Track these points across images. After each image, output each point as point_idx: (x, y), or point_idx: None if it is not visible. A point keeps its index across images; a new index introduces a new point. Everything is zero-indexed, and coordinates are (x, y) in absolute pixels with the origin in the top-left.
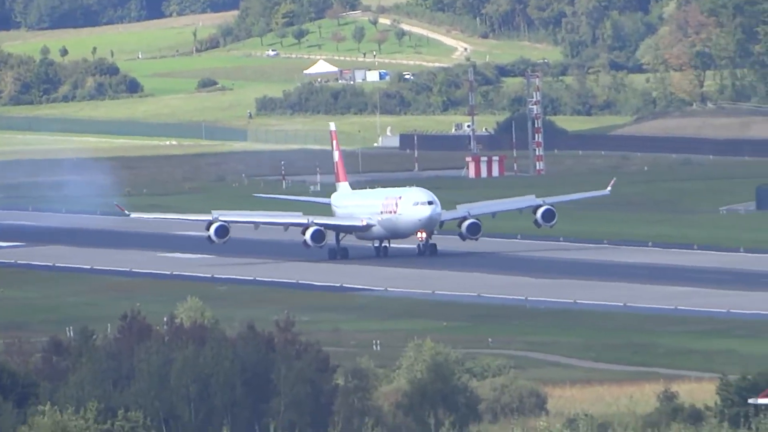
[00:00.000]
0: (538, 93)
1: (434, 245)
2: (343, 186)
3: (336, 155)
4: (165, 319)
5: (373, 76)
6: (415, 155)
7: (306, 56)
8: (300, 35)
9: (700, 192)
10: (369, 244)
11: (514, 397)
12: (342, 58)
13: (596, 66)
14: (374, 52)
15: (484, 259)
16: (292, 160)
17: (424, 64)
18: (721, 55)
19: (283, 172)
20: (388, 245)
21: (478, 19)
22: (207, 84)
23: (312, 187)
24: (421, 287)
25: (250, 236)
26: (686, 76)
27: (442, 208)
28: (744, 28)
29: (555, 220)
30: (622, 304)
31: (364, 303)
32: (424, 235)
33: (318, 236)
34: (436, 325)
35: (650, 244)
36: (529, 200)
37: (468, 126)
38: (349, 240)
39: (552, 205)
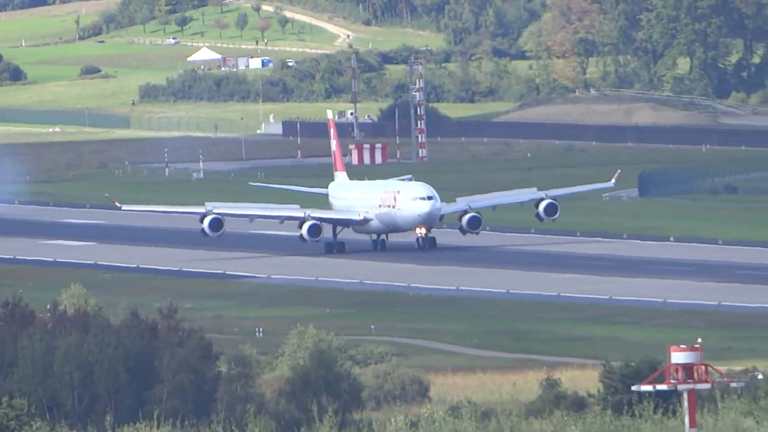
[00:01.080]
0: (421, 80)
1: (433, 239)
2: (341, 176)
3: (333, 144)
4: (48, 306)
5: (256, 63)
6: (298, 142)
7: (189, 43)
8: (183, 23)
9: (583, 179)
10: (366, 237)
11: (397, 384)
12: (225, 45)
13: (479, 53)
14: (257, 40)
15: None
16: (176, 147)
17: (307, 51)
18: (604, 41)
19: (166, 159)
20: (386, 239)
21: (361, 6)
22: (90, 71)
23: (195, 175)
24: (305, 274)
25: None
26: (569, 62)
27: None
28: (626, 14)
29: (558, 214)
30: (505, 290)
31: (247, 290)
32: (423, 230)
33: (314, 230)
34: (320, 312)
35: (533, 230)
36: (531, 193)
37: (351, 113)
38: (346, 234)
39: (555, 199)
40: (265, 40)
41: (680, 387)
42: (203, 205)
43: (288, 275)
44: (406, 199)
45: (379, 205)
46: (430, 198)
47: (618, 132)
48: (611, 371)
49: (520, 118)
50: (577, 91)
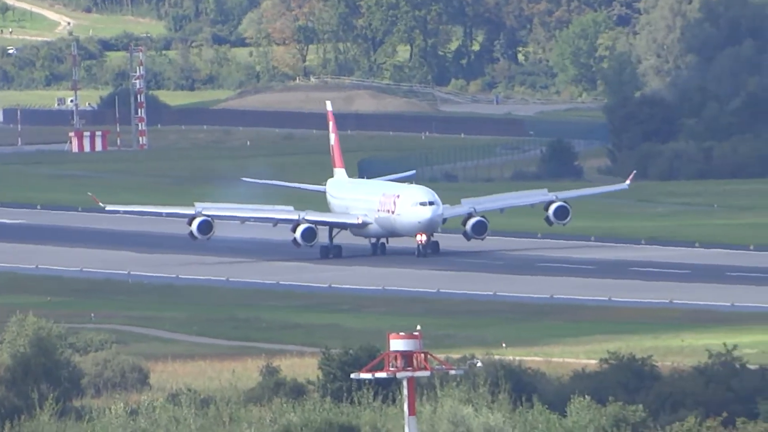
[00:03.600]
0: (141, 67)
1: (436, 243)
2: (340, 173)
3: (332, 138)
4: None
5: None
6: (19, 130)
7: None
8: None
9: (304, 166)
10: (365, 241)
11: (117, 371)
12: None
13: (199, 40)
14: None
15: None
16: None
17: (28, 38)
18: (324, 29)
19: None
20: (386, 243)
21: None
22: None
23: None
24: (26, 262)
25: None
26: (289, 50)
27: None
28: (347, 1)
29: (569, 218)
30: (225, 278)
31: None
32: (424, 237)
33: (309, 234)
34: (40, 300)
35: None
36: (541, 195)
37: (71, 101)
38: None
39: (566, 201)
40: None
41: (399, 374)
42: (193, 205)
43: (6, 263)
44: (406, 204)
45: (378, 209)
46: (431, 203)
47: (339, 120)
48: (330, 358)
49: (239, 105)
50: (297, 78)
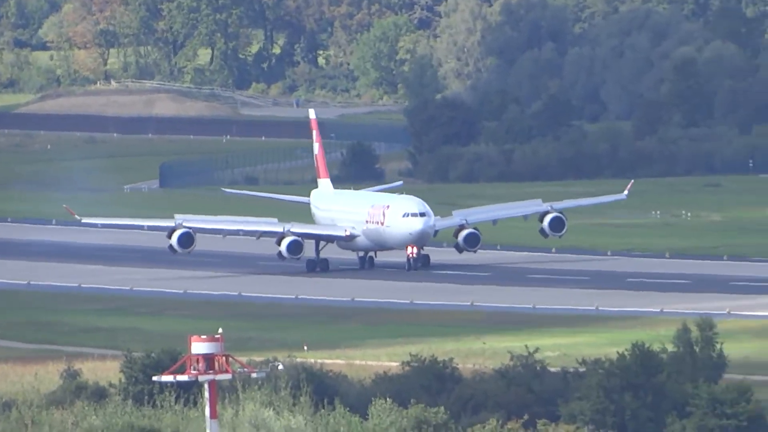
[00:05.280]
0: None
1: (427, 256)
2: (325, 183)
3: (316, 147)
4: None
5: None
6: None
7: None
8: None
9: (105, 170)
10: (353, 254)
11: None
12: None
13: (0, 44)
14: None
15: None
16: None
17: None
18: (125, 32)
19: None
20: (374, 256)
21: None
22: None
23: None
24: None
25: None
26: (90, 53)
27: None
28: (148, 5)
29: (565, 230)
30: (26, 282)
31: None
32: (415, 249)
33: (295, 247)
34: None
35: (54, 222)
36: (535, 205)
37: None
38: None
39: (561, 212)
40: None
41: (201, 378)
42: (172, 218)
43: None
44: (396, 215)
45: (366, 221)
46: (422, 214)
47: (139, 123)
48: (132, 361)
49: (41, 109)
50: (98, 82)
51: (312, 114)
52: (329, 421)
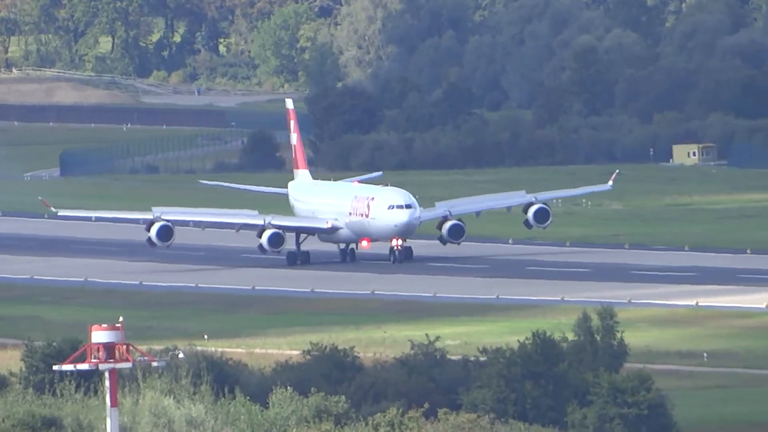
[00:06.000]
0: None
1: (409, 248)
2: (302, 174)
3: (294, 137)
4: None
5: None
6: None
7: None
8: None
9: (6, 158)
10: (334, 246)
11: None
12: None
13: None
14: None
15: None
16: None
17: None
18: (26, 20)
19: None
20: (355, 248)
21: None
22: None
23: None
24: None
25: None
26: None
27: None
28: None
29: (550, 221)
30: None
31: None
32: (400, 242)
33: (276, 240)
34: None
35: None
36: (519, 197)
37: None
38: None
39: (545, 203)
40: None
41: (101, 366)
42: (150, 210)
43: None
44: (381, 207)
45: (350, 213)
46: (408, 206)
47: (40, 112)
48: (33, 350)
49: None
50: None
51: (289, 104)
52: (230, 409)
